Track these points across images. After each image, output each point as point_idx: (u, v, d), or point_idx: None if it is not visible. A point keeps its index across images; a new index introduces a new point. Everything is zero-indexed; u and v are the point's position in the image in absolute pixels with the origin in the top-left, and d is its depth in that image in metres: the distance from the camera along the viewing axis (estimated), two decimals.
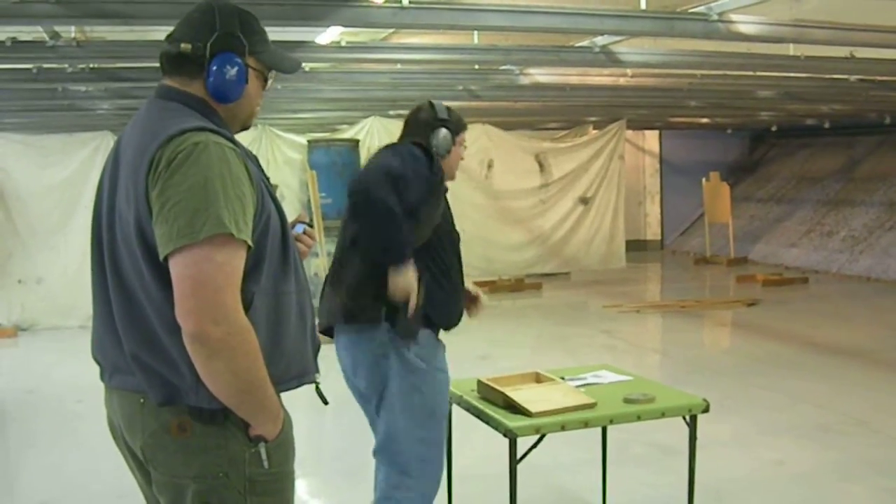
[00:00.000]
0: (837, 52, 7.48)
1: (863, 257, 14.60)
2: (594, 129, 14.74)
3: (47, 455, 6.25)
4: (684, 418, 4.01)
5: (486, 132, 13.19)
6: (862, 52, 7.62)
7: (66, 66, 6.97)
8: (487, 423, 3.82)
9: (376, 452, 3.75)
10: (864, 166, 16.82)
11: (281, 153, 12.21)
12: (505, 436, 3.66)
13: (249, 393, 2.21)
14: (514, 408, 3.76)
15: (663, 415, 3.96)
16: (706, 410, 3.98)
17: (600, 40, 6.81)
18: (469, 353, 8.42)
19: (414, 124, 3.82)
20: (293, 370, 2.41)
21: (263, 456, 2.29)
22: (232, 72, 2.31)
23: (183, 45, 2.32)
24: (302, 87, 9.11)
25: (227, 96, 2.35)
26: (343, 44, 6.66)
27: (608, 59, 7.03)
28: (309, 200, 10.84)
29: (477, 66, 8.18)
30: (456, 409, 4.20)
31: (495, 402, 3.87)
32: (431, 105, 3.81)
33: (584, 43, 7.01)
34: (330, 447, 6.47)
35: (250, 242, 2.18)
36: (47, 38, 5.85)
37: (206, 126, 2.22)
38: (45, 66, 7.15)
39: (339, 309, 3.70)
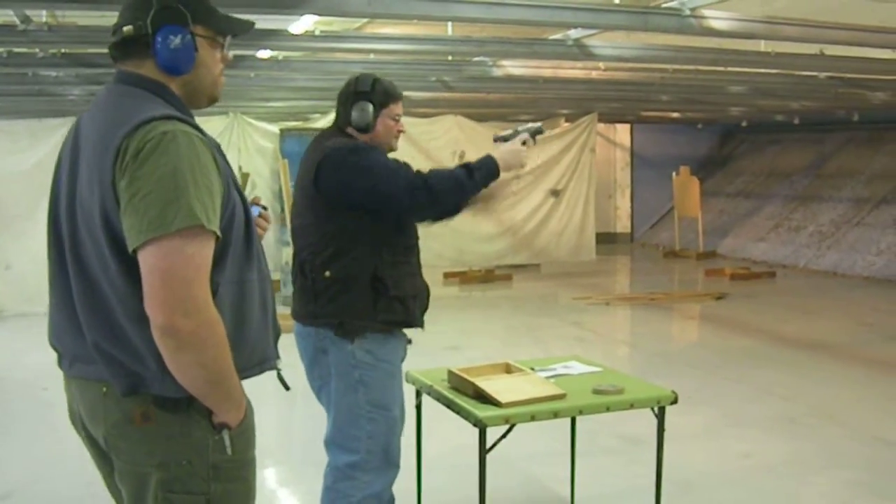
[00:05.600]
0: (808, 50, 7.53)
1: (830, 252, 14.74)
2: (566, 121, 14.76)
3: (15, 443, 6.21)
4: (653, 410, 4.04)
5: (459, 123, 13.16)
6: (831, 50, 7.67)
7: (37, 50, 6.90)
8: (457, 412, 3.83)
9: (326, 443, 3.74)
10: (833, 162, 16.96)
11: (253, 142, 12.14)
12: (475, 426, 3.67)
13: (217, 383, 2.22)
14: (484, 398, 3.77)
15: (632, 406, 3.97)
16: (674, 402, 4.01)
17: (574, 33, 6.81)
18: (439, 343, 8.44)
19: (339, 100, 3.75)
20: (255, 357, 2.42)
21: (227, 443, 2.29)
22: (176, 41, 2.28)
23: (125, 29, 2.30)
24: (275, 76, 9.08)
25: (178, 67, 2.32)
26: (317, 33, 6.63)
27: (581, 52, 7.04)
28: (280, 189, 10.80)
29: (450, 58, 8.18)
30: (426, 399, 4.22)
31: (465, 393, 3.88)
32: (356, 79, 3.73)
33: (558, 36, 7.02)
34: (298, 436, 6.46)
35: (219, 233, 2.18)
36: (18, 23, 5.78)
37: (172, 114, 2.21)
38: (16, 50, 7.08)
39: (294, 304, 3.75)
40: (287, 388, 2.67)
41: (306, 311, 3.65)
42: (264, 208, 2.74)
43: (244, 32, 2.51)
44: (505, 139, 3.85)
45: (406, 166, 3.55)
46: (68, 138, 2.39)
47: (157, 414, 2.23)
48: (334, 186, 3.52)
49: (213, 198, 2.17)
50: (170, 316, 2.09)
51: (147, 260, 2.10)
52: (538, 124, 3.99)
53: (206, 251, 2.15)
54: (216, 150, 2.31)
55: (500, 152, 3.71)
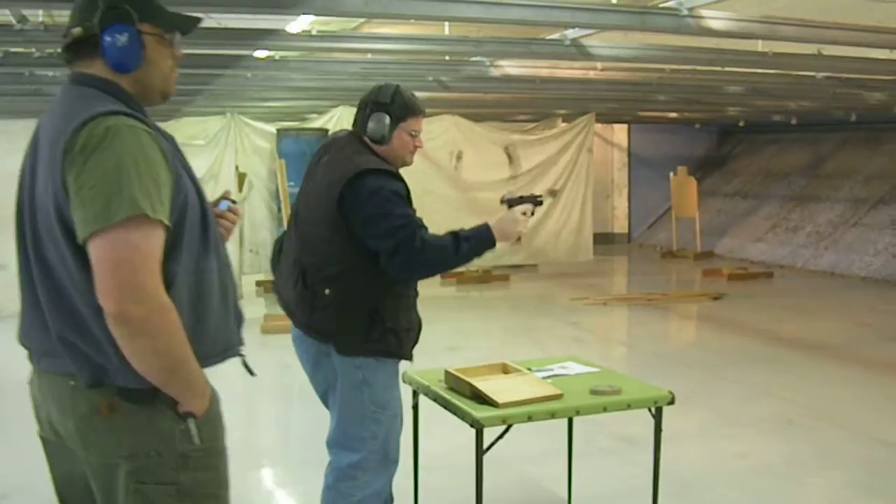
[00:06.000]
0: (805, 50, 7.53)
1: (827, 253, 14.75)
2: (563, 121, 14.75)
3: (12, 444, 6.19)
4: (650, 410, 4.04)
5: (456, 123, 13.16)
6: (829, 50, 7.68)
7: (34, 50, 6.90)
8: (454, 413, 3.82)
9: (328, 444, 3.73)
10: (830, 163, 16.97)
11: (250, 141, 12.13)
12: (472, 426, 3.67)
13: (174, 370, 2.27)
14: (481, 398, 3.77)
15: (629, 406, 3.97)
16: (672, 402, 4.01)
17: (571, 33, 6.81)
18: (437, 343, 8.43)
19: (359, 106, 3.70)
20: (218, 345, 2.47)
21: (193, 432, 2.34)
22: (122, 39, 2.34)
23: (75, 31, 2.37)
24: (272, 76, 9.08)
25: (126, 65, 2.37)
26: (314, 33, 6.62)
27: (578, 52, 7.03)
28: (277, 189, 10.80)
29: (447, 58, 8.18)
30: (423, 400, 4.21)
31: (462, 393, 3.88)
32: (378, 88, 3.67)
33: (555, 36, 7.02)
34: (297, 436, 6.46)
35: (167, 222, 2.23)
36: (14, 22, 5.78)
37: (119, 109, 2.26)
38: (13, 50, 7.07)
39: (291, 307, 3.73)
40: (252, 374, 2.70)
41: (304, 319, 3.63)
42: (233, 202, 2.78)
43: (191, 29, 2.56)
44: (511, 203, 3.76)
45: (411, 225, 3.45)
46: (30, 143, 2.45)
47: (122, 405, 2.29)
48: (349, 212, 3.49)
49: (160, 189, 2.22)
50: (120, 304, 2.15)
51: (95, 251, 2.16)
52: (540, 196, 3.92)
53: (153, 240, 2.20)
54: (167, 141, 2.37)
55: (498, 222, 3.62)
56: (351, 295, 3.51)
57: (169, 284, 2.24)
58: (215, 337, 2.44)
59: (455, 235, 3.52)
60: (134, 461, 2.29)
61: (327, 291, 3.51)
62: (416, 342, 3.72)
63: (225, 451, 2.49)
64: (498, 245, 3.62)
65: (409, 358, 3.69)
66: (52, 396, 2.40)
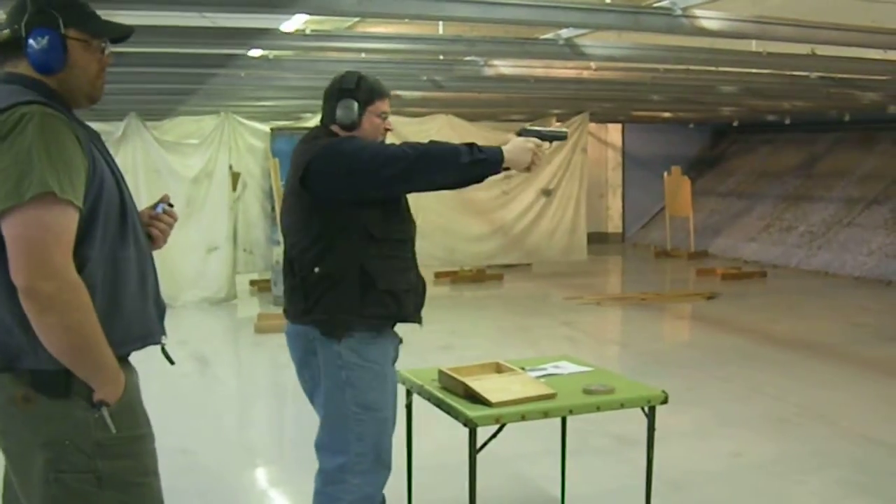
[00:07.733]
0: (799, 50, 7.55)
1: (821, 252, 14.77)
2: (557, 121, 14.74)
3: None
4: (643, 409, 4.04)
5: (450, 123, 13.13)
6: (823, 50, 7.69)
7: None
8: (448, 412, 3.83)
9: (316, 447, 3.68)
10: (824, 163, 17.00)
11: (244, 140, 12.11)
12: (465, 425, 3.67)
13: (84, 350, 2.33)
14: (474, 397, 3.77)
15: (622, 406, 3.98)
16: (665, 402, 4.01)
17: (565, 33, 6.81)
18: (430, 343, 8.44)
19: (324, 98, 3.69)
20: (135, 332, 2.53)
21: (108, 420, 2.39)
22: (43, 42, 2.42)
23: (3, 34, 2.46)
24: (265, 75, 9.06)
25: (48, 66, 2.45)
26: (308, 32, 6.62)
27: (572, 51, 7.04)
28: (271, 188, 10.79)
29: (441, 57, 8.17)
30: (416, 399, 4.22)
31: (456, 392, 3.88)
32: (341, 76, 3.66)
33: (549, 35, 7.02)
34: (291, 435, 6.47)
35: (78, 204, 2.30)
36: None
37: (36, 99, 2.35)
38: None
39: (287, 304, 3.73)
40: (172, 362, 2.76)
41: (297, 309, 3.62)
42: (170, 205, 2.82)
43: (122, 36, 2.61)
44: (525, 134, 3.62)
45: (395, 145, 3.48)
46: None
47: (37, 396, 2.35)
48: (322, 180, 3.48)
49: (71, 172, 2.30)
50: (30, 279, 2.23)
51: (7, 229, 2.25)
52: (564, 131, 3.82)
53: (63, 220, 2.28)
54: (91, 135, 2.47)
55: (510, 146, 3.53)
56: (339, 265, 3.50)
57: (81, 267, 2.31)
58: (131, 323, 2.50)
59: (470, 147, 3.43)
60: (50, 449, 2.35)
61: (316, 270, 3.51)
62: (421, 304, 3.70)
63: (147, 439, 2.55)
64: (504, 166, 3.52)
65: (416, 320, 3.67)
66: None
